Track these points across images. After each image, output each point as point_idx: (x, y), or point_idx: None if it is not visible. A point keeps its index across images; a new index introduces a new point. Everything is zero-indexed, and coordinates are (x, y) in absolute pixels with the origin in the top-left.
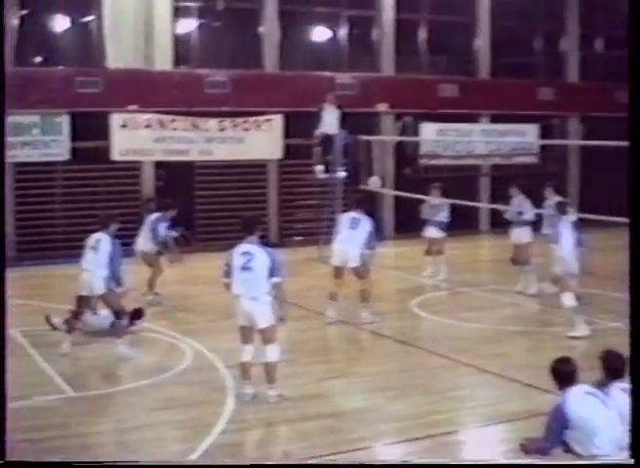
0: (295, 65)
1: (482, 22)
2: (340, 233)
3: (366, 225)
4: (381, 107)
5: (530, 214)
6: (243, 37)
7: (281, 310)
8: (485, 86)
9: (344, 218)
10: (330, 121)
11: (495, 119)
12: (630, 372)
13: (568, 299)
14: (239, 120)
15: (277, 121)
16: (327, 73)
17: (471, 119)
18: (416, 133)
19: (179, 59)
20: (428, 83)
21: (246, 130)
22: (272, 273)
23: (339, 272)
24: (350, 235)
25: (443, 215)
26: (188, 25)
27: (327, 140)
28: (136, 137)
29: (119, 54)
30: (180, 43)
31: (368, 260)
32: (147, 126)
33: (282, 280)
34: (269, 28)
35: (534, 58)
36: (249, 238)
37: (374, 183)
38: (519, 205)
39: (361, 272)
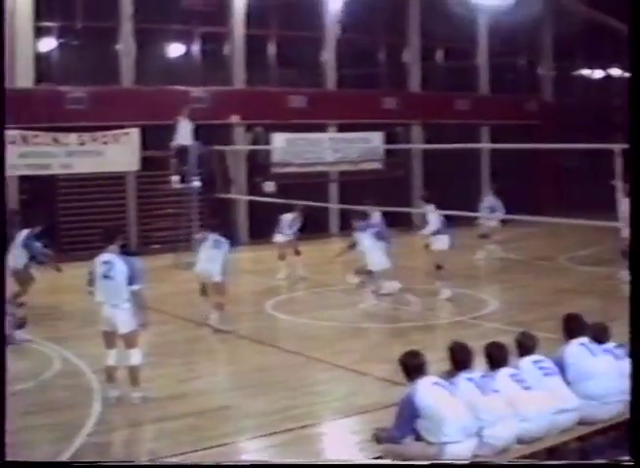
0: (151, 81)
1: (328, 36)
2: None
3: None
4: (234, 119)
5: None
6: (101, 55)
7: (142, 316)
8: (332, 97)
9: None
10: (184, 133)
11: (342, 128)
12: (630, 372)
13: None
14: (98, 134)
15: (134, 134)
16: (181, 87)
17: (320, 128)
18: (267, 142)
19: (40, 77)
20: (278, 95)
21: (105, 143)
22: (131, 281)
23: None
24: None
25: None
26: (49, 44)
27: (182, 152)
28: None
29: None
30: (41, 61)
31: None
32: (11, 142)
33: (140, 287)
34: (126, 46)
35: (378, 69)
36: (110, 247)
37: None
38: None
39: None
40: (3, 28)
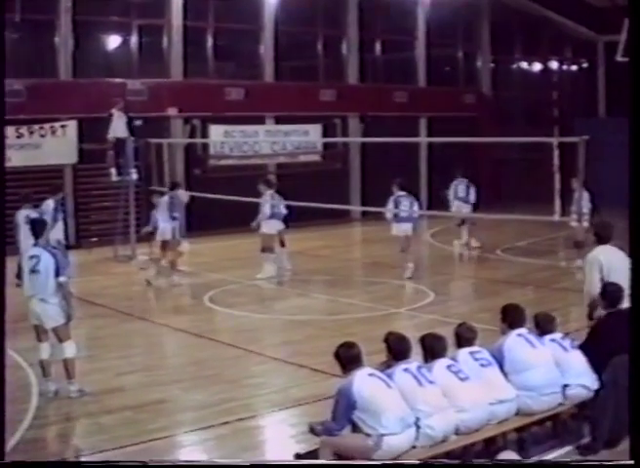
0: (88, 73)
1: (266, 29)
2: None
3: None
4: (171, 111)
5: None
6: (39, 47)
7: (68, 308)
8: (270, 89)
9: None
10: (120, 126)
11: (280, 120)
12: (630, 373)
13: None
14: (35, 127)
15: (72, 127)
16: (118, 80)
17: (257, 121)
18: (204, 135)
19: None
20: (215, 87)
21: (42, 136)
22: (57, 273)
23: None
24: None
25: None
26: None
27: (118, 144)
28: None
29: None
30: None
31: None
32: None
33: (66, 279)
34: (63, 38)
35: (316, 61)
36: (38, 241)
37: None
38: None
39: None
40: (3, 29)
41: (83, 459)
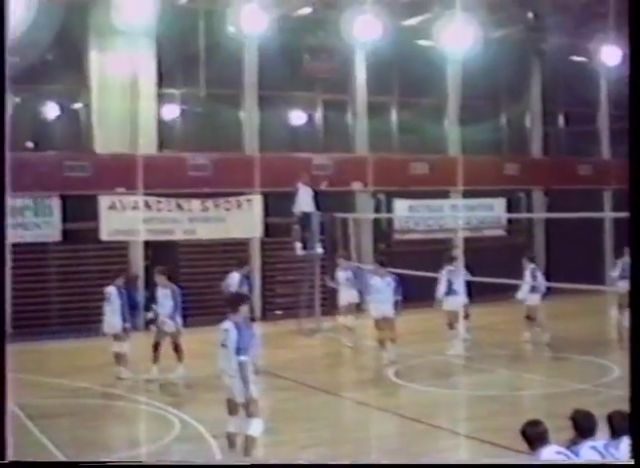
0: (273, 147)
1: (450, 103)
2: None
3: None
4: (356, 186)
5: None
6: (224, 121)
7: (246, 389)
8: (454, 163)
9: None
10: (306, 200)
11: (464, 194)
12: (630, 373)
13: None
14: (221, 200)
15: (257, 201)
16: (303, 154)
17: (442, 195)
18: (389, 209)
19: (163, 143)
20: (400, 162)
21: (227, 209)
22: (238, 351)
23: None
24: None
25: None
26: (172, 111)
27: (304, 218)
28: (123, 218)
29: (106, 139)
30: (163, 128)
31: None
32: (134, 207)
33: (246, 359)
34: (249, 113)
35: (500, 134)
36: (231, 316)
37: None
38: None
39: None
40: (3, 31)
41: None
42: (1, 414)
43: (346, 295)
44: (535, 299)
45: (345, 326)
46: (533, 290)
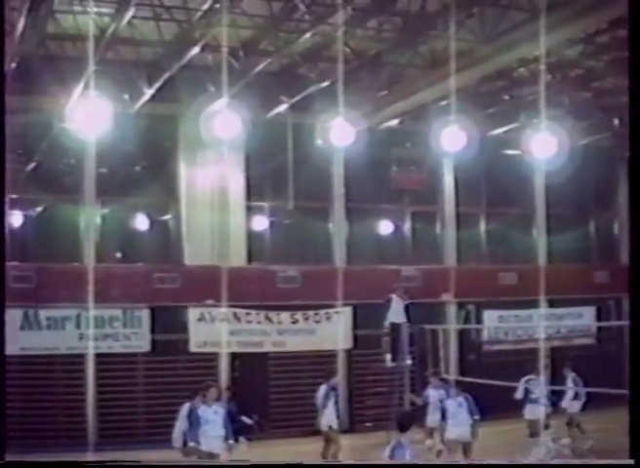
0: (361, 259)
1: (538, 212)
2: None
3: None
4: (445, 297)
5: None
6: (312, 233)
7: None
8: (543, 272)
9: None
10: (397, 311)
11: (553, 303)
12: (630, 373)
13: None
14: (310, 312)
15: (346, 313)
16: (392, 266)
17: (531, 304)
18: (478, 319)
19: (252, 256)
20: (489, 272)
21: (317, 322)
22: None
23: None
24: None
25: None
26: (261, 223)
27: (394, 330)
28: (212, 330)
29: (196, 251)
30: (253, 240)
31: None
32: (223, 319)
33: None
34: (337, 225)
35: (588, 242)
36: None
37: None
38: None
39: None
40: (3, 35)
41: None
42: (1, 414)
43: (434, 417)
44: (576, 407)
45: (430, 448)
46: (575, 397)
